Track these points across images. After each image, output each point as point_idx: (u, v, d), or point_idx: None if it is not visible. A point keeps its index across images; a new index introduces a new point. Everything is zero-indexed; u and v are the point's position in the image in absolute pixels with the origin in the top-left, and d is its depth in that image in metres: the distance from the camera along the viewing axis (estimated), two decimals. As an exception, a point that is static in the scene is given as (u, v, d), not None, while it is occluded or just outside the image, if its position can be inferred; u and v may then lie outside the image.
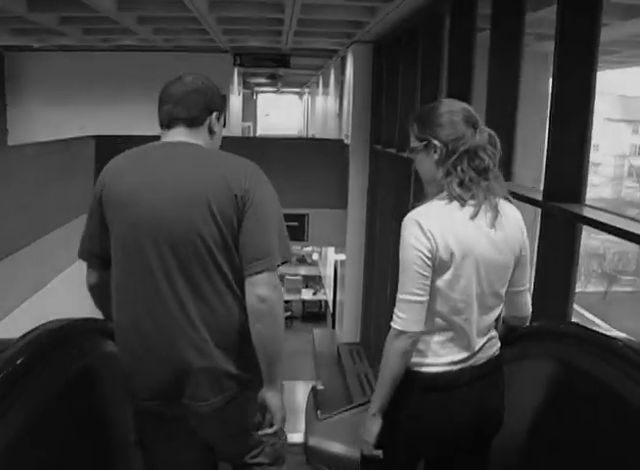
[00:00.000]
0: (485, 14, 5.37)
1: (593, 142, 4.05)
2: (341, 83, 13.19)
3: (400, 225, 2.01)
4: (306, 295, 17.56)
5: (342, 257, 12.82)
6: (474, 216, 1.95)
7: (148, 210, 1.99)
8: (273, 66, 13.77)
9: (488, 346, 2.09)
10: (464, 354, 2.02)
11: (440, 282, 1.96)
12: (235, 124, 21.27)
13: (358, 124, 10.73)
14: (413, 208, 2.02)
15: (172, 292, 1.98)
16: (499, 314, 2.15)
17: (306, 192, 11.15)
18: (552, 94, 4.08)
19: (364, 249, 11.25)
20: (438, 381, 2.02)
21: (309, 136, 23.38)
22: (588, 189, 4.07)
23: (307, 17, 8.40)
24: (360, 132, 10.73)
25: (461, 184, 1.96)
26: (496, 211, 1.98)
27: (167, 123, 2.12)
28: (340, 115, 13.63)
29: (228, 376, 2.04)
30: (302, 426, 10.34)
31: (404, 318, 1.93)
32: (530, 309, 2.26)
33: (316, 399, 9.63)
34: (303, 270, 19.69)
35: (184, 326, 1.98)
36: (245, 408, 2.10)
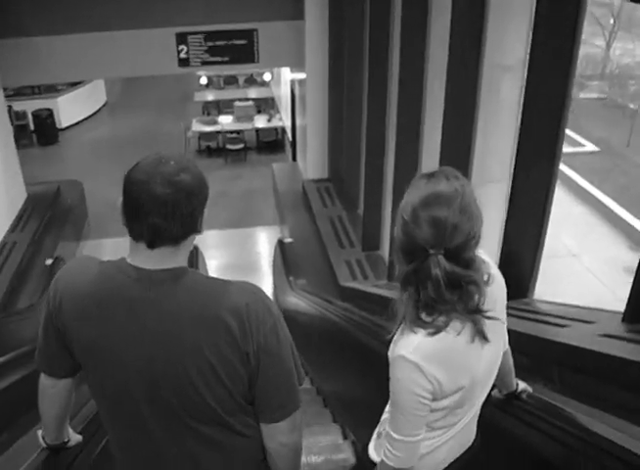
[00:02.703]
0: None
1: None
2: None
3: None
4: (260, 122, 15.62)
5: (299, 76, 11.16)
6: (460, 333, 1.66)
7: (137, 367, 1.63)
8: None
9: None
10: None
11: (446, 402, 1.74)
12: None
13: None
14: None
15: (177, 451, 1.75)
16: None
17: (253, 1, 9.29)
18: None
19: (328, 66, 9.56)
20: None
21: None
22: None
23: None
24: None
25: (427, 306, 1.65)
26: (481, 324, 1.67)
27: (150, 241, 1.59)
28: None
29: None
30: (269, 288, 9.08)
31: (400, 457, 1.77)
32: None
33: (285, 257, 8.21)
34: (254, 93, 17.78)
35: None
36: None
